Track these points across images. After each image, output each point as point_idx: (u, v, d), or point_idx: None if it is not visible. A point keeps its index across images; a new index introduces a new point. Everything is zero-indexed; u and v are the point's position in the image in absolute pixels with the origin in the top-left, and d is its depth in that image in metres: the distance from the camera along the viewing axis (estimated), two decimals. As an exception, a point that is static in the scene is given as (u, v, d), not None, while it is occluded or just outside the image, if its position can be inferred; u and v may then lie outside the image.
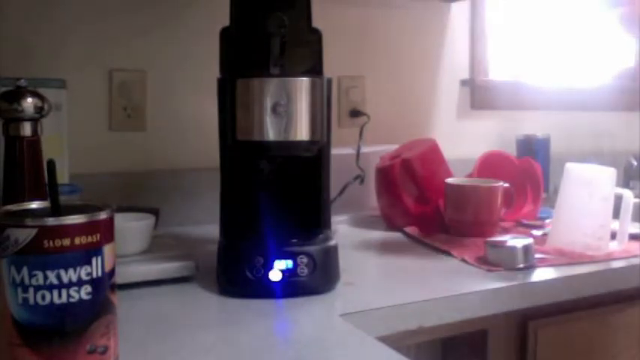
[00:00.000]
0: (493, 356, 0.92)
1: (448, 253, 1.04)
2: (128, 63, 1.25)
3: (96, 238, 0.52)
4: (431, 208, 1.20)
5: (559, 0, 1.85)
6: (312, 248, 0.82)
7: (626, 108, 1.88)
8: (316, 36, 0.89)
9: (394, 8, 1.52)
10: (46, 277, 0.50)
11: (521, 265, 0.94)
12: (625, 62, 1.94)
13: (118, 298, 0.56)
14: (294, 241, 0.83)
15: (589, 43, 1.89)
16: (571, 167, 1.08)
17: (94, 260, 0.52)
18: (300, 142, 0.82)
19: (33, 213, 0.56)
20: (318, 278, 0.82)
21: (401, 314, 0.80)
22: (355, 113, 1.48)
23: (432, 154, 1.27)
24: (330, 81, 0.87)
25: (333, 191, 0.98)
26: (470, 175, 1.28)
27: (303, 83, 0.81)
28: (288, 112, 0.80)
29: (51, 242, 0.50)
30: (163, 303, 0.81)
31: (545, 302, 0.93)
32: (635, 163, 1.69)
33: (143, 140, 1.27)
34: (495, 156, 1.33)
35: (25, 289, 0.50)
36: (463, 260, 1.00)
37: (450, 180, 1.18)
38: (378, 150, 1.34)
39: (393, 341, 0.70)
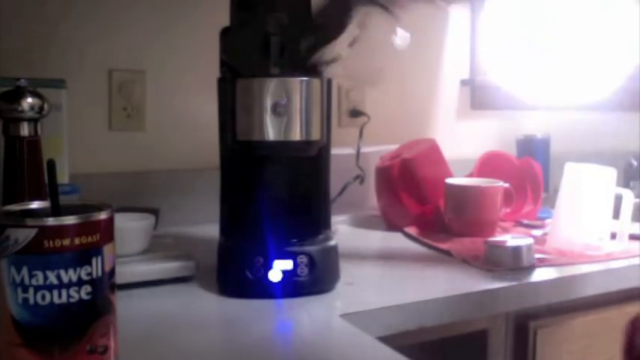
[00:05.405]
0: (493, 356, 0.92)
1: (448, 253, 1.04)
2: (128, 63, 1.25)
3: (96, 238, 0.52)
4: (431, 208, 1.20)
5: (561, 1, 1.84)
6: (312, 248, 0.82)
7: (626, 108, 1.87)
8: (316, 36, 0.89)
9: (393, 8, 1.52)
10: (46, 277, 0.50)
11: (521, 265, 0.94)
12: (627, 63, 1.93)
13: (118, 298, 0.56)
14: (294, 241, 0.83)
15: (591, 44, 1.89)
16: (571, 167, 1.08)
17: (94, 260, 0.52)
18: (300, 142, 0.82)
19: (33, 213, 0.55)
20: (318, 278, 0.82)
21: (401, 314, 0.80)
22: (355, 113, 1.47)
23: (432, 154, 1.27)
24: (330, 81, 0.87)
25: (333, 191, 0.98)
26: (470, 175, 1.28)
27: (302, 83, 0.81)
28: (288, 112, 0.80)
29: (51, 242, 0.50)
30: (163, 303, 0.81)
31: (545, 302, 0.93)
32: (635, 163, 1.68)
33: (143, 140, 1.27)
34: (495, 156, 1.33)
35: (25, 289, 0.50)
36: (463, 260, 1.00)
37: (450, 180, 1.18)
38: (378, 150, 1.34)
39: (393, 341, 0.70)
